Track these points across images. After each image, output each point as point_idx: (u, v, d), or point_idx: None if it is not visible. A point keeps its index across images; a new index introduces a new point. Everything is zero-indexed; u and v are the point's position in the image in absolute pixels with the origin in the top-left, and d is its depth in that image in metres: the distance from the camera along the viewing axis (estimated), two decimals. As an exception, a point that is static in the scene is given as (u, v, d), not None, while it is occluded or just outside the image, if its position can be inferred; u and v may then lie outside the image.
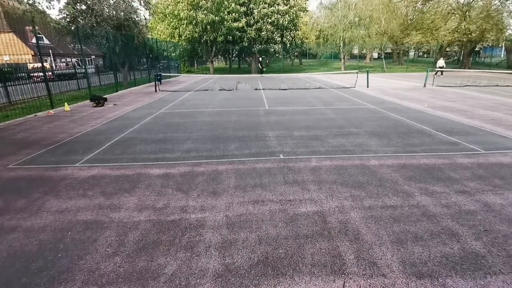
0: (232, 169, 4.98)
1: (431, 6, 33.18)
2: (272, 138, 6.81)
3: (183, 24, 29.76)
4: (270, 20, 32.16)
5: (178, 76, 28.64)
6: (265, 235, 3.17)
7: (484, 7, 30.41)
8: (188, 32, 29.93)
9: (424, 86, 16.94)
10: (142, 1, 19.22)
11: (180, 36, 30.72)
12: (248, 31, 31.69)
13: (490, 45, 40.20)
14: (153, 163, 5.31)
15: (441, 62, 25.16)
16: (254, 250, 2.92)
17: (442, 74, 25.05)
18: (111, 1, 17.50)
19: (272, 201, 3.88)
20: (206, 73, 33.18)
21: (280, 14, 32.17)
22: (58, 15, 16.86)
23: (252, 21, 32.05)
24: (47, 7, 14.40)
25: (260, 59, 31.70)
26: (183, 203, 3.88)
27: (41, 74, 13.05)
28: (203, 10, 28.98)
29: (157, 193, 4.17)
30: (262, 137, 6.91)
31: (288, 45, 34.80)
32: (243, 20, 30.71)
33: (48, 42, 29.42)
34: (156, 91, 16.68)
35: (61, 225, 3.42)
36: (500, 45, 42.65)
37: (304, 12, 36.85)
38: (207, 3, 28.52)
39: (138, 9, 19.10)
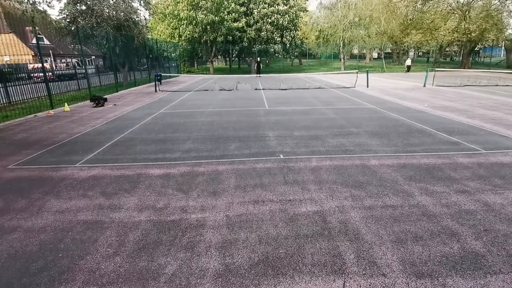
0: (232, 169, 4.98)
1: (431, 6, 33.18)
2: (272, 138, 6.81)
3: (183, 24, 29.77)
4: (270, 20, 32.18)
5: (178, 76, 28.63)
6: (265, 235, 3.17)
7: (484, 6, 30.43)
8: (188, 32, 29.94)
9: (424, 86, 16.94)
10: (142, 1, 19.25)
11: (180, 36, 30.73)
12: (248, 31, 31.69)
13: (490, 45, 40.23)
14: (153, 163, 5.32)
15: (408, 62, 30.83)
16: (254, 250, 2.92)
17: (408, 71, 30.54)
18: (111, 2, 17.52)
19: (272, 201, 3.89)
20: (206, 73, 33.18)
21: (280, 14, 32.19)
22: (59, 15, 16.90)
23: (252, 21, 32.06)
24: (48, 6, 14.43)
25: (259, 59, 31.67)
26: (183, 203, 3.88)
27: (41, 74, 13.05)
28: (203, 10, 28.99)
29: (157, 193, 4.17)
30: (262, 137, 6.91)
31: (288, 45, 34.81)
32: (243, 20, 30.72)
33: (48, 43, 29.44)
34: (156, 91, 16.70)
35: (62, 225, 3.42)
36: (499, 45, 42.69)
37: (304, 12, 36.90)
38: (207, 3, 28.52)
39: (138, 9, 19.13)
